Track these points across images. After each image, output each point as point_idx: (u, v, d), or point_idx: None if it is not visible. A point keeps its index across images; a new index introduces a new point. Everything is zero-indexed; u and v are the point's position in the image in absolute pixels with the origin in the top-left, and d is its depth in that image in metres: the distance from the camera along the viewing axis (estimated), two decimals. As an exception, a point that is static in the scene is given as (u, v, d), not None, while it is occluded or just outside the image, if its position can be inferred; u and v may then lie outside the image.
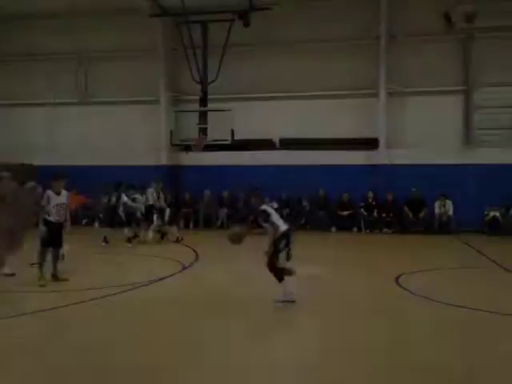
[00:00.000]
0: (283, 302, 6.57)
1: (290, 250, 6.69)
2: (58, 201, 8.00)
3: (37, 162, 18.59)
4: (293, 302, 6.57)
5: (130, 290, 7.51)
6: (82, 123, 18.75)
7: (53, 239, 7.93)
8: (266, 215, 6.70)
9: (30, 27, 18.88)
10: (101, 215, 17.28)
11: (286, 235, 6.66)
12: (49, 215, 7.92)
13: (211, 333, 5.51)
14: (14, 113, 19.28)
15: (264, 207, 6.84)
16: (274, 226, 6.66)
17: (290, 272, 6.62)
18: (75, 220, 17.32)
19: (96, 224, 17.49)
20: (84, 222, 17.48)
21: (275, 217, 6.75)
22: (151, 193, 13.15)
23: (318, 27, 17.10)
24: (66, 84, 18.86)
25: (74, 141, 18.71)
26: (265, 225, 6.71)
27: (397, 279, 8.27)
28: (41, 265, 7.92)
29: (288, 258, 6.67)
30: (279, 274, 6.57)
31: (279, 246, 6.57)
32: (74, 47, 18.63)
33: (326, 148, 16.90)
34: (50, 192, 7.97)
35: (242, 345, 5.23)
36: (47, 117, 19.22)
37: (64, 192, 8.13)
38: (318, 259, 10.47)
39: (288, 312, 6.48)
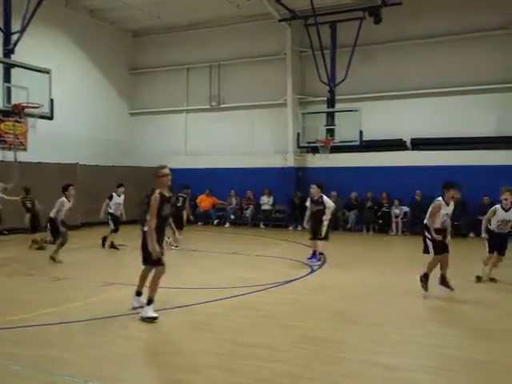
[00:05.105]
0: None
1: None
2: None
3: (173, 165, 19.88)
4: None
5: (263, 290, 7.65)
6: (214, 128, 19.64)
7: None
8: None
9: (167, 40, 20.34)
10: (232, 216, 18.00)
11: None
12: None
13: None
14: (154, 120, 20.82)
15: None
16: None
17: None
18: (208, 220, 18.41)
19: (227, 224, 18.31)
20: (216, 222, 18.33)
21: None
22: None
23: (452, 19, 16.05)
24: (200, 91, 19.92)
25: (206, 145, 19.67)
26: None
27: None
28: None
29: None
30: None
31: None
32: (206, 56, 19.64)
33: (462, 148, 15.81)
34: None
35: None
36: (182, 123, 20.49)
37: None
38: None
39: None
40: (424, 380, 4.32)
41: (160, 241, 6.03)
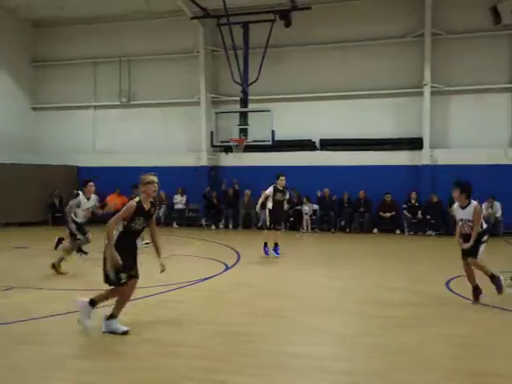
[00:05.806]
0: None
1: None
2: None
3: (80, 163, 19.09)
4: None
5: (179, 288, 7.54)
6: (124, 125, 19.07)
7: None
8: None
9: (73, 32, 19.41)
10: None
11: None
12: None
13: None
14: (60, 116, 19.78)
15: None
16: None
17: None
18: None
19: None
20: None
21: None
22: None
23: (359, 26, 16.88)
24: (109, 87, 19.23)
25: (115, 143, 19.03)
26: None
27: (447, 284, 8.00)
28: None
29: None
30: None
31: None
32: (115, 51, 19.01)
33: (368, 148, 16.73)
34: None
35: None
36: (90, 119, 19.66)
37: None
38: (355, 262, 10.25)
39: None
40: (338, 367, 4.49)
41: (126, 260, 5.34)
